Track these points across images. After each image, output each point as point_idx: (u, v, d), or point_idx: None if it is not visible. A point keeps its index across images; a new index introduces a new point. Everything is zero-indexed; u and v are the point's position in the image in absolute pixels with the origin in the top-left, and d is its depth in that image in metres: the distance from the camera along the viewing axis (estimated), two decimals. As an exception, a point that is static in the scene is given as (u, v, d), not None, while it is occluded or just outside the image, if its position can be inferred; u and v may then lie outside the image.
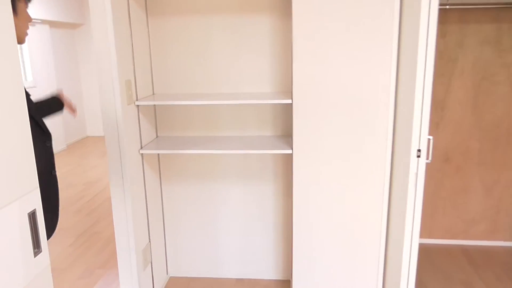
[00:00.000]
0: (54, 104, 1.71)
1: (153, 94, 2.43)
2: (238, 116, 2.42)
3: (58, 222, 3.64)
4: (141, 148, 2.24)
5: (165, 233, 2.66)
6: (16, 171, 1.00)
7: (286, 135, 2.42)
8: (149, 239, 2.38)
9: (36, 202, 1.11)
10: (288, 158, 2.46)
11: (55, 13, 6.01)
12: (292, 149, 2.10)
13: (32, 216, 1.10)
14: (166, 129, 2.49)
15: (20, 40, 1.29)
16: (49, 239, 3.34)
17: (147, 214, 2.34)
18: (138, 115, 2.21)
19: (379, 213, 2.13)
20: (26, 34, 1.34)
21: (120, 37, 1.98)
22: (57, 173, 5.01)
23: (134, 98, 2.16)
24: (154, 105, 2.44)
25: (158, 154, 2.52)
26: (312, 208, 2.15)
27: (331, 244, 2.20)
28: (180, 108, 2.45)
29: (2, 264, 0.96)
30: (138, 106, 2.20)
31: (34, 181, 1.09)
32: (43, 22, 5.99)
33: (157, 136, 2.49)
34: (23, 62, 5.63)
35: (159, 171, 2.55)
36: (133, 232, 2.13)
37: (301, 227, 2.19)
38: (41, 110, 1.64)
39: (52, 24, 6.30)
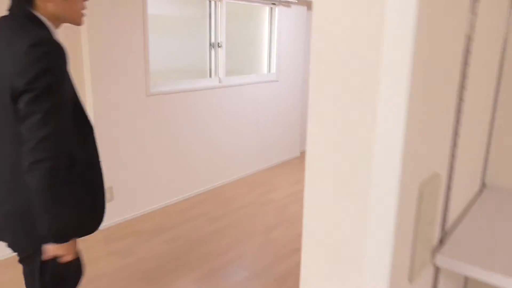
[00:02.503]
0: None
1: (483, 188, 0.91)
2: None
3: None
4: None
5: None
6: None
7: None
8: None
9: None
10: None
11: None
12: None
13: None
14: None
15: (76, 21, 1.13)
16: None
17: None
18: None
19: None
20: (82, 14, 1.15)
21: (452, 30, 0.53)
22: (287, 191, 3.83)
23: (435, 239, 0.69)
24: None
25: None
26: None
27: None
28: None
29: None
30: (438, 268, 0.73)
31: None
32: (300, 2, 5.03)
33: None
34: (269, 50, 4.83)
35: None
36: None
37: None
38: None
39: (310, 5, 5.31)
